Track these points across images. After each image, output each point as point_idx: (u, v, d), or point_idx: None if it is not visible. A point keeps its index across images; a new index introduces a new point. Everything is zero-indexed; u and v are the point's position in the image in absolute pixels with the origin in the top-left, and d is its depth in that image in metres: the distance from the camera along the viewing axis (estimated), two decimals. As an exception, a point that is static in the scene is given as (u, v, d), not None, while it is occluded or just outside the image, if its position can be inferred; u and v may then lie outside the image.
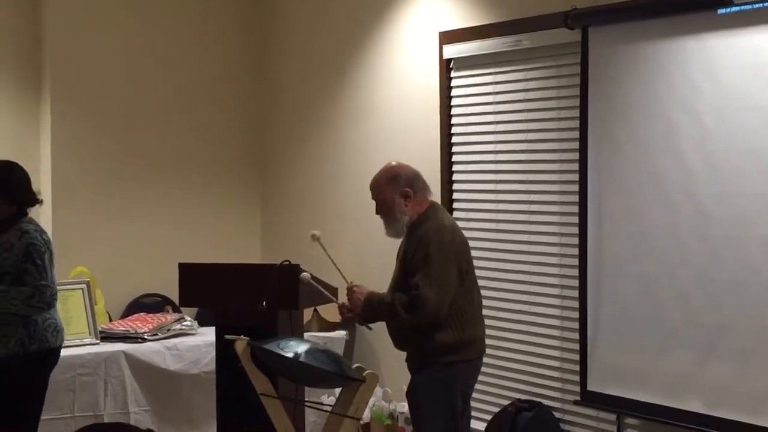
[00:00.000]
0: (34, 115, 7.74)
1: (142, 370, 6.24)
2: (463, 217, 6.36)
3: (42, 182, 7.69)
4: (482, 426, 6.09)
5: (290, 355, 4.79)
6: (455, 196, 6.50)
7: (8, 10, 7.65)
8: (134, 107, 7.91)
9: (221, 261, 6.61)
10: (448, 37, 6.43)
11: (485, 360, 5.16)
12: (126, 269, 7.73)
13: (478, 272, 5.13)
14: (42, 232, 5.42)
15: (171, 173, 8.08)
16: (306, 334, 6.07)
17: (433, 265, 4.75)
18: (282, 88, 8.15)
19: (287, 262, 5.37)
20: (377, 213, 5.04)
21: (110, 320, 6.92)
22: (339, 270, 5.11)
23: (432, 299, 4.72)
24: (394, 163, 5.11)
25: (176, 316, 6.71)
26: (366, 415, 6.47)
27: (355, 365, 5.05)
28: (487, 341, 5.17)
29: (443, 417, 4.89)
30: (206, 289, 5.63)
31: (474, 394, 5.25)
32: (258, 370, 4.97)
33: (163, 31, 8.03)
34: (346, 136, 7.44)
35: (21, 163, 7.38)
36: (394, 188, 4.96)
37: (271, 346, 4.87)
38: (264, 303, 5.11)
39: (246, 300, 5.26)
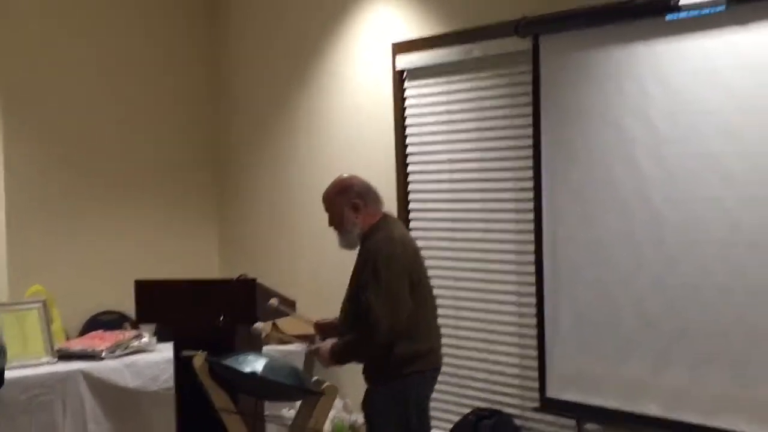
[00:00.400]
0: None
1: (101, 388, 6.17)
2: (419, 227, 6.38)
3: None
4: (444, 435, 6.10)
5: (248, 369, 4.78)
6: (411, 206, 6.51)
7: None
8: (86, 125, 7.83)
9: (179, 277, 6.57)
10: (400, 48, 6.44)
11: (445, 368, 5.16)
12: (83, 287, 7.66)
13: (434, 282, 5.14)
14: None
15: (126, 191, 8.01)
16: (265, 348, 6.04)
17: (383, 279, 4.74)
18: (236, 101, 8.13)
19: (243, 276, 5.36)
20: (330, 225, 5.06)
21: (67, 338, 6.85)
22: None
23: (384, 317, 4.70)
24: (345, 175, 5.14)
25: (134, 332, 6.63)
26: (327, 428, 6.44)
27: (315, 378, 5.05)
28: (446, 350, 5.18)
29: (395, 430, 4.89)
30: (163, 305, 5.60)
31: (434, 404, 5.26)
32: (216, 386, 4.96)
33: (114, 47, 7.95)
34: (301, 148, 7.43)
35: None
36: (344, 200, 4.98)
37: (228, 361, 4.86)
38: (221, 318, 5.10)
39: (203, 315, 5.25)
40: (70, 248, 7.76)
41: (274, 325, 6.90)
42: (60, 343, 6.46)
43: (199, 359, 4.97)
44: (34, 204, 7.63)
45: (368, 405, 4.99)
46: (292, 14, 7.46)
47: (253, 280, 5.33)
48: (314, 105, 7.27)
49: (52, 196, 7.71)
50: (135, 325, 6.80)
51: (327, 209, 5.06)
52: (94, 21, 7.92)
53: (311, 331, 5.41)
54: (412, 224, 6.42)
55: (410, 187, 6.51)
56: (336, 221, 5.02)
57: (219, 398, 4.97)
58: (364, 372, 5.03)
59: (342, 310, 5.03)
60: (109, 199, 7.93)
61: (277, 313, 5.34)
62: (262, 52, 7.81)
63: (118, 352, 6.38)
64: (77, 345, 6.46)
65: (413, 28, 6.38)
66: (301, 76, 7.37)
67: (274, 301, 5.17)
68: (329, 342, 4.99)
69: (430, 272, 5.06)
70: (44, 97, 7.68)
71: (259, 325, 5.19)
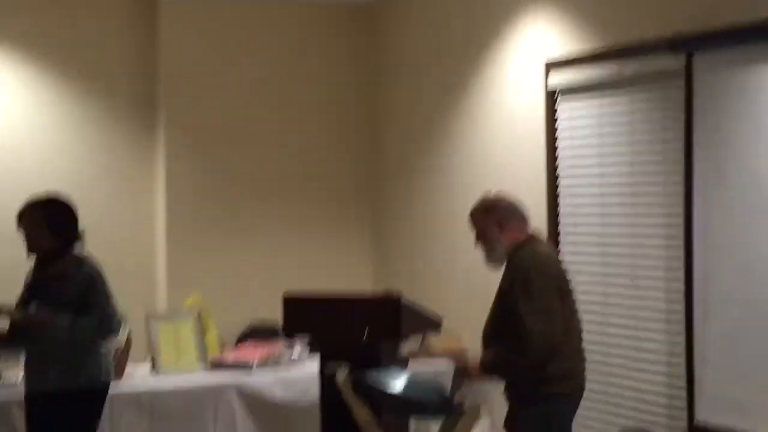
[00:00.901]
0: (150, 148, 7.95)
1: (252, 400, 6.25)
2: (569, 250, 6.32)
3: (157, 216, 7.88)
4: (587, 458, 6.01)
5: (389, 386, 4.80)
6: (561, 228, 6.44)
7: (126, 49, 7.89)
8: (245, 139, 8.07)
9: (333, 291, 6.64)
10: (553, 67, 6.39)
11: (591, 387, 5.09)
12: (239, 298, 7.84)
13: (583, 303, 5.08)
14: (94, 260, 5.48)
15: (282, 205, 8.20)
16: (412, 364, 6.04)
17: (535, 294, 4.72)
18: (391, 120, 8.21)
19: (389, 292, 5.40)
20: (476, 242, 5.06)
21: (222, 349, 6.98)
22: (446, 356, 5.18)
23: (538, 331, 4.66)
24: (491, 193, 5.17)
25: (286, 345, 6.70)
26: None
27: (460, 396, 5.04)
28: (593, 370, 5.10)
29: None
30: (309, 319, 5.68)
31: (579, 420, 5.16)
32: (359, 401, 5.00)
33: (275, 66, 8.18)
34: (453, 167, 7.45)
35: (134, 197, 7.64)
36: (489, 218, 5.00)
37: (370, 377, 4.89)
38: (366, 333, 5.15)
39: (348, 330, 5.31)
40: (228, 260, 7.97)
41: (423, 341, 6.91)
42: (215, 354, 6.60)
43: (342, 374, 5.03)
44: (194, 217, 7.88)
45: (510, 426, 4.96)
46: (446, 34, 7.49)
47: (398, 297, 5.36)
48: (467, 124, 7.28)
49: (210, 209, 7.95)
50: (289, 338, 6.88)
51: (473, 227, 5.09)
52: (255, 41, 8.14)
53: (460, 346, 5.42)
54: (561, 245, 6.36)
55: (560, 208, 6.45)
56: (481, 239, 5.04)
57: (361, 414, 5.00)
58: (506, 391, 5.00)
59: (485, 330, 5.02)
60: (265, 212, 8.14)
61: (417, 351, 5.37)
62: (417, 69, 7.87)
63: (269, 365, 6.49)
64: (230, 356, 6.57)
65: (565, 46, 6.33)
66: (453, 95, 7.40)
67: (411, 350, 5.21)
68: (475, 363, 4.99)
69: (578, 292, 5.00)
70: (204, 115, 7.95)
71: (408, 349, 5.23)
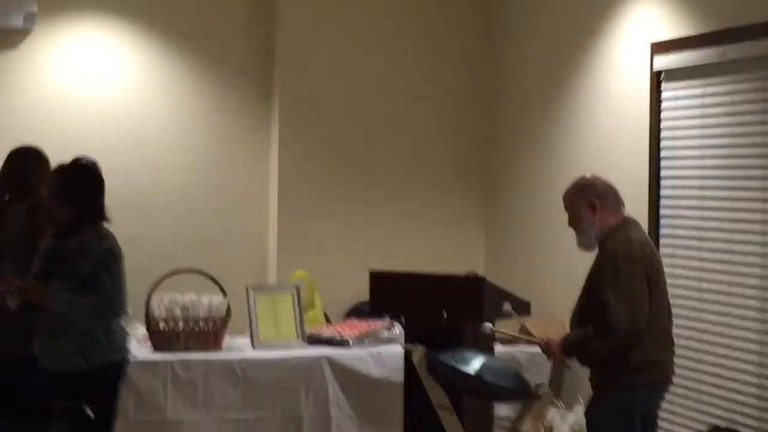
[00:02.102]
0: (264, 122, 8.07)
1: (345, 375, 6.32)
2: (668, 233, 6.17)
3: (270, 190, 8.00)
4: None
5: (463, 367, 4.80)
6: (662, 211, 6.28)
7: (242, 28, 8.01)
8: (358, 116, 8.09)
9: (437, 271, 6.62)
10: (659, 48, 6.24)
11: (680, 380, 4.98)
12: (347, 275, 7.88)
13: (677, 290, 4.99)
14: (116, 238, 5.14)
15: (395, 182, 8.18)
16: (499, 347, 6.00)
17: (623, 280, 4.66)
18: (504, 102, 8.14)
19: (473, 273, 5.38)
20: (569, 224, 5.02)
21: (327, 325, 7.05)
22: (528, 336, 5.11)
23: (623, 317, 4.60)
24: (587, 175, 5.10)
25: (386, 323, 6.70)
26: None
27: (537, 381, 5.00)
28: (683, 363, 4.98)
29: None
30: (395, 298, 5.70)
31: (666, 412, 5.06)
32: (434, 381, 5.01)
33: (391, 45, 8.17)
34: (560, 150, 7.36)
35: (248, 170, 7.68)
36: (582, 200, 4.95)
37: (445, 358, 4.89)
38: (445, 314, 5.15)
39: (431, 309, 5.31)
40: (338, 236, 8.00)
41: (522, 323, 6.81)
42: (311, 329, 6.66)
43: (417, 354, 5.05)
44: (305, 193, 7.93)
45: (591, 414, 4.92)
46: (559, 14, 7.40)
47: (482, 279, 5.34)
48: (575, 103, 7.17)
49: (321, 187, 7.99)
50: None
51: (566, 208, 5.04)
52: (370, 20, 8.15)
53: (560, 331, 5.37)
54: (662, 229, 6.21)
55: (662, 191, 6.30)
56: (574, 220, 5.00)
57: (436, 394, 5.01)
58: (590, 379, 4.96)
59: (573, 313, 4.97)
60: (377, 190, 8.13)
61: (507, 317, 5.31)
62: (529, 49, 7.79)
63: (366, 342, 6.53)
64: (327, 331, 6.64)
65: (671, 28, 6.17)
66: (562, 76, 7.30)
67: (488, 326, 5.16)
68: (556, 340, 4.97)
69: (675, 278, 4.91)
70: (318, 92, 7.99)
71: (487, 325, 5.19)
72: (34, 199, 5.37)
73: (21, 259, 5.28)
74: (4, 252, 5.33)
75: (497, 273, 7.91)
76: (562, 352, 4.93)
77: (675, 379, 5.07)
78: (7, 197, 5.50)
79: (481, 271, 7.97)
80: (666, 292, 4.90)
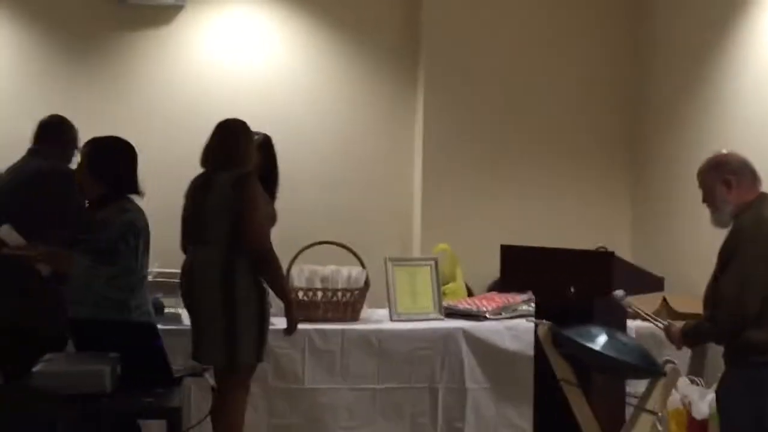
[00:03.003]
0: (410, 97, 8.14)
1: (481, 348, 6.36)
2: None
3: (415, 166, 8.07)
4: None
5: (586, 342, 4.76)
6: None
7: (392, 8, 8.09)
8: (502, 94, 8.09)
9: (576, 246, 6.57)
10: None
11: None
12: (490, 249, 7.84)
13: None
14: (142, 213, 5.10)
15: (540, 158, 8.16)
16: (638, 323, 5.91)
17: (740, 258, 4.56)
18: (655, 77, 8.00)
19: (602, 248, 5.33)
20: (703, 201, 4.94)
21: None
22: (653, 319, 5.05)
23: (729, 296, 4.51)
24: (723, 151, 5.00)
25: (525, 296, 6.71)
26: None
27: (666, 357, 4.94)
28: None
29: (749, 421, 4.67)
30: (525, 272, 5.68)
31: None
32: (559, 356, 5.00)
33: (537, 17, 8.14)
34: (712, 124, 7.20)
35: (392, 143, 7.71)
36: (716, 176, 4.84)
37: (569, 333, 4.87)
38: (572, 289, 5.13)
39: (560, 284, 5.28)
40: (481, 210, 8.02)
41: (664, 300, 6.70)
42: (448, 301, 6.72)
43: (543, 328, 5.04)
44: (450, 165, 7.99)
45: (721, 390, 4.83)
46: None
47: (611, 254, 5.28)
48: (722, 79, 7.02)
49: (467, 157, 8.03)
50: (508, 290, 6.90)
51: (700, 185, 4.95)
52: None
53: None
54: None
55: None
56: (708, 197, 4.90)
57: (561, 369, 5.01)
58: (723, 354, 4.88)
59: (705, 292, 4.90)
60: (520, 166, 8.13)
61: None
62: (678, 21, 7.66)
63: (503, 315, 6.56)
64: (464, 304, 6.69)
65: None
66: (708, 51, 7.17)
67: (619, 293, 5.08)
68: (677, 328, 4.91)
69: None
70: (464, 61, 8.02)
71: (620, 292, 5.10)
72: (240, 170, 5.50)
73: (222, 231, 5.42)
74: (207, 223, 5.50)
75: (643, 249, 7.84)
76: (682, 340, 4.87)
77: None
78: (211, 168, 5.63)
79: (626, 248, 7.95)
80: None
